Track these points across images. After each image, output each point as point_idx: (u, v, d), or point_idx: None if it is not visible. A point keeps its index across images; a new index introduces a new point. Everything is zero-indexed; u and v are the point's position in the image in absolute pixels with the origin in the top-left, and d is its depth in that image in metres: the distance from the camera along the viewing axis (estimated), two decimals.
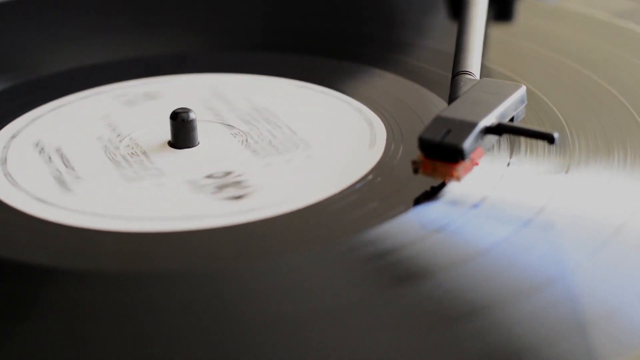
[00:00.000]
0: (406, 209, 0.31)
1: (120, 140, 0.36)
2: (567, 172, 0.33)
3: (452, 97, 0.34)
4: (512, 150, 0.34)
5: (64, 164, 0.35)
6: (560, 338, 0.25)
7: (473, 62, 0.36)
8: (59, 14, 0.49)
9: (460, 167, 0.31)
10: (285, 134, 0.36)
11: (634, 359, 0.25)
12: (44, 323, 0.27)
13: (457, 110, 0.32)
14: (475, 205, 0.31)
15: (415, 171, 0.31)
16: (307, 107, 0.39)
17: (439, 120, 0.32)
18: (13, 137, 0.37)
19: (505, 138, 0.34)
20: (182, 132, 0.35)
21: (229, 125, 0.37)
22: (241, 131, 0.37)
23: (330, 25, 0.47)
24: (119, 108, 0.39)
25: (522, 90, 0.34)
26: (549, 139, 0.31)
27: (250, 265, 0.29)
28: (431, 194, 0.32)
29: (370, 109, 0.38)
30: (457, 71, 0.36)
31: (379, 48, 0.44)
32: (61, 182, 0.33)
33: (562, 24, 0.46)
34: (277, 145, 0.36)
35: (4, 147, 0.36)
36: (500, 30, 0.46)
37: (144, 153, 0.35)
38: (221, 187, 0.33)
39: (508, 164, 0.33)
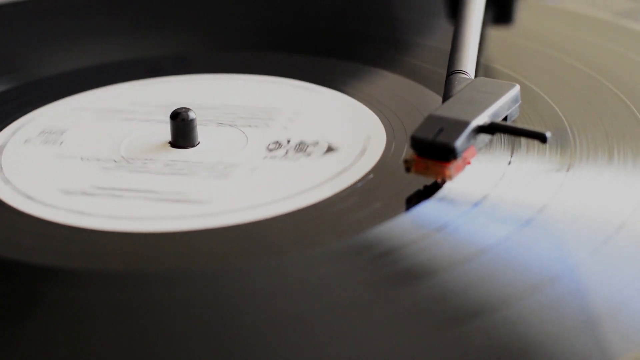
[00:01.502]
0: (406, 208, 0.31)
1: (119, 141, 0.36)
2: (568, 170, 0.33)
3: (445, 96, 0.34)
4: (513, 148, 0.34)
5: (64, 165, 0.35)
6: (562, 336, 0.25)
7: (468, 62, 0.36)
8: (50, 17, 0.49)
9: (452, 166, 0.31)
10: (285, 132, 0.36)
11: (636, 357, 0.25)
12: (44, 323, 0.27)
13: (450, 109, 0.32)
14: (476, 204, 0.31)
15: (408, 170, 0.31)
16: (307, 107, 0.39)
17: (431, 119, 0.32)
18: (10, 139, 0.37)
19: (506, 137, 0.34)
20: (182, 131, 0.35)
21: (227, 125, 0.37)
22: (240, 130, 0.37)
23: (330, 25, 0.47)
24: (114, 109, 0.39)
25: (515, 90, 0.34)
26: (541, 138, 0.31)
27: (250, 265, 0.29)
28: (423, 193, 0.31)
29: (371, 109, 0.38)
30: (451, 70, 0.36)
31: (379, 48, 0.44)
32: (63, 184, 0.33)
33: (562, 23, 0.46)
34: (277, 143, 0.36)
35: (2, 149, 0.36)
36: (501, 30, 0.46)
37: (145, 154, 0.35)
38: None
39: (509, 163, 0.33)
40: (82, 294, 0.28)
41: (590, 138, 0.34)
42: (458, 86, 0.34)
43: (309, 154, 0.35)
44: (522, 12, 0.47)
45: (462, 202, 0.31)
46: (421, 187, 0.32)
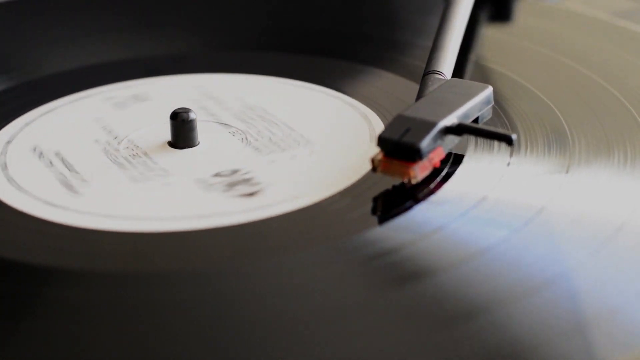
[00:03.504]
0: (406, 209, 0.31)
1: (118, 142, 0.36)
2: (567, 172, 0.33)
3: (418, 97, 0.34)
4: (512, 150, 0.34)
5: (67, 168, 0.35)
6: (560, 338, 0.25)
7: (445, 63, 0.36)
8: (46, 17, 0.49)
9: (417, 167, 0.31)
10: (284, 132, 0.36)
11: (635, 358, 0.25)
12: (44, 323, 0.27)
13: (419, 110, 0.32)
14: (474, 206, 0.31)
15: (374, 170, 0.31)
16: (306, 106, 0.39)
17: (399, 119, 0.32)
18: (9, 142, 0.37)
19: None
20: (182, 132, 0.35)
21: (226, 124, 0.37)
22: (240, 130, 0.37)
23: (330, 25, 0.47)
24: (110, 110, 0.39)
25: (488, 91, 0.34)
26: (508, 140, 0.31)
27: (250, 265, 0.29)
28: (391, 194, 0.32)
29: (370, 109, 0.38)
30: (427, 70, 0.36)
31: (378, 48, 0.44)
32: (68, 186, 0.33)
33: (561, 23, 0.46)
34: (277, 142, 0.36)
35: (1, 152, 0.36)
36: (500, 30, 0.46)
37: (145, 154, 0.35)
38: (231, 185, 0.33)
39: (508, 164, 0.33)
40: (82, 294, 0.28)
41: (589, 139, 0.34)
42: (431, 86, 0.34)
43: (309, 152, 0.35)
44: (521, 12, 0.47)
45: (461, 204, 0.31)
46: (420, 188, 0.32)
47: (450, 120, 0.32)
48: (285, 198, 0.32)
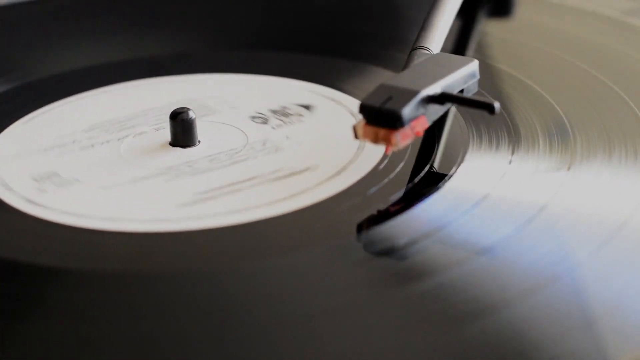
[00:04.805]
0: (406, 208, 0.31)
1: (119, 143, 0.36)
2: (568, 169, 0.33)
3: (404, 69, 0.34)
4: (514, 148, 0.34)
5: (67, 167, 0.35)
6: (562, 336, 0.25)
7: (434, 40, 0.36)
8: (48, 17, 0.49)
9: (399, 134, 0.31)
10: (284, 132, 0.36)
11: (639, 356, 0.25)
12: (44, 323, 0.27)
13: (402, 79, 0.32)
14: (476, 204, 0.31)
15: (356, 136, 0.31)
16: (307, 106, 0.39)
17: (382, 88, 0.32)
18: (13, 138, 0.37)
19: (505, 136, 0.34)
20: (182, 131, 0.35)
21: (227, 124, 0.37)
22: (239, 130, 0.37)
23: (330, 25, 0.47)
24: (111, 110, 0.39)
25: (473, 65, 0.34)
26: (489, 108, 0.31)
27: (250, 265, 0.29)
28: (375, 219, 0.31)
29: None
30: (415, 46, 0.36)
31: (379, 47, 0.44)
32: (68, 186, 0.33)
33: (563, 20, 0.46)
34: (276, 143, 0.36)
35: (1, 151, 0.36)
36: (502, 27, 0.46)
37: (146, 154, 0.35)
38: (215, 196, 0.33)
39: (509, 162, 0.33)
40: (82, 294, 0.28)
41: (590, 137, 0.34)
42: (417, 60, 0.34)
43: (309, 153, 0.35)
44: (524, 8, 0.47)
45: (463, 202, 0.31)
46: (420, 188, 0.32)
47: (434, 89, 0.32)
48: (276, 200, 0.32)
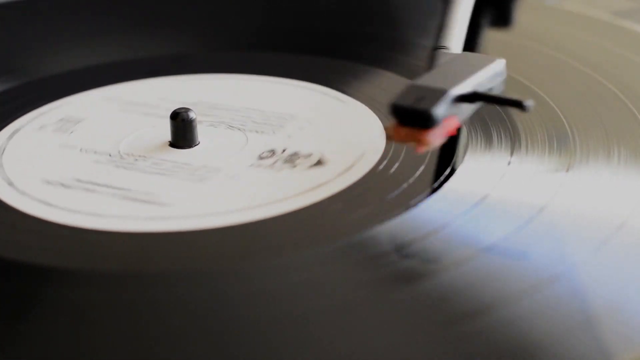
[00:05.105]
0: (406, 208, 0.31)
1: (119, 143, 0.36)
2: (567, 170, 0.33)
3: (425, 70, 0.34)
4: (513, 149, 0.34)
5: (67, 167, 0.35)
6: (562, 336, 0.25)
7: (455, 39, 0.37)
8: (50, 17, 0.49)
9: (432, 134, 0.31)
10: (284, 132, 0.36)
11: (639, 356, 0.25)
12: (44, 323, 0.27)
13: (431, 79, 0.32)
14: (476, 204, 0.31)
15: (389, 138, 0.31)
16: (307, 106, 0.39)
17: (411, 88, 0.32)
18: (10, 137, 0.37)
19: (505, 136, 0.34)
20: (182, 131, 0.35)
21: (226, 124, 0.37)
22: (240, 130, 0.37)
23: (330, 25, 0.47)
24: (111, 110, 0.39)
25: (500, 64, 0.34)
26: (522, 106, 0.31)
27: (250, 266, 0.29)
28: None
29: (370, 109, 0.38)
30: (437, 45, 0.36)
31: (379, 48, 0.44)
32: (68, 186, 0.33)
33: (562, 23, 0.46)
34: (276, 142, 0.36)
35: (2, 151, 0.36)
36: (501, 31, 0.46)
37: (146, 154, 0.35)
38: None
39: (509, 163, 0.33)
40: (82, 294, 0.28)
41: (589, 138, 0.34)
42: (442, 59, 0.34)
43: (308, 154, 0.35)
44: (521, 12, 0.47)
45: (462, 202, 0.31)
46: (420, 188, 0.32)
47: (464, 88, 0.32)
48: (274, 201, 0.32)
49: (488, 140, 0.34)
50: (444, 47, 0.36)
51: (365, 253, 0.29)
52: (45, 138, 0.37)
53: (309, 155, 0.35)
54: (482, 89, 0.33)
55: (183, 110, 0.35)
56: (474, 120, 0.35)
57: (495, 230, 0.30)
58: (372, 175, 0.33)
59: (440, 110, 0.31)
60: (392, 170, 0.33)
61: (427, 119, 0.30)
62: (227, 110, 0.38)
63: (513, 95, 0.32)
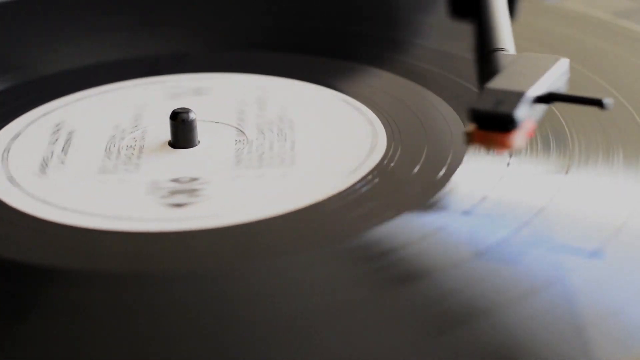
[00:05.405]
0: (406, 209, 0.31)
1: (120, 143, 0.36)
2: (566, 172, 0.33)
3: (488, 73, 0.34)
4: (512, 151, 0.34)
5: (67, 168, 0.35)
6: (560, 339, 0.25)
7: (507, 39, 0.37)
8: (53, 14, 0.49)
9: (513, 136, 0.30)
10: (284, 132, 0.36)
11: None
12: (44, 323, 0.27)
13: (505, 82, 0.32)
14: (474, 206, 0.31)
15: (469, 142, 0.31)
16: (307, 106, 0.39)
17: (488, 92, 0.31)
18: (10, 140, 0.37)
19: None
20: (180, 132, 0.35)
21: (227, 125, 0.37)
22: (240, 130, 0.37)
23: (330, 25, 0.47)
24: (111, 111, 0.39)
25: (564, 63, 0.33)
26: (600, 104, 0.31)
27: (250, 266, 0.29)
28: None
29: (371, 109, 0.38)
30: (491, 48, 0.36)
31: (379, 48, 0.44)
32: (68, 186, 0.34)
33: (561, 23, 0.46)
34: (275, 142, 0.36)
35: (3, 151, 0.36)
36: None
37: (146, 155, 0.35)
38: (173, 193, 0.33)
39: (507, 165, 0.33)
40: (82, 294, 0.28)
41: (588, 140, 0.34)
42: (504, 61, 0.34)
43: (308, 153, 0.35)
44: (522, 12, 0.47)
45: (460, 204, 0.31)
46: (420, 188, 0.32)
47: (539, 89, 0.32)
48: (270, 202, 0.32)
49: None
50: (501, 49, 0.36)
51: (364, 253, 0.29)
52: (45, 138, 0.37)
53: (309, 155, 0.35)
54: (556, 88, 0.33)
55: (183, 110, 0.35)
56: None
57: (493, 232, 0.30)
58: (372, 175, 0.33)
59: (521, 112, 0.30)
60: (392, 170, 0.33)
61: (510, 122, 0.30)
62: (227, 111, 0.38)
63: (589, 95, 0.32)
